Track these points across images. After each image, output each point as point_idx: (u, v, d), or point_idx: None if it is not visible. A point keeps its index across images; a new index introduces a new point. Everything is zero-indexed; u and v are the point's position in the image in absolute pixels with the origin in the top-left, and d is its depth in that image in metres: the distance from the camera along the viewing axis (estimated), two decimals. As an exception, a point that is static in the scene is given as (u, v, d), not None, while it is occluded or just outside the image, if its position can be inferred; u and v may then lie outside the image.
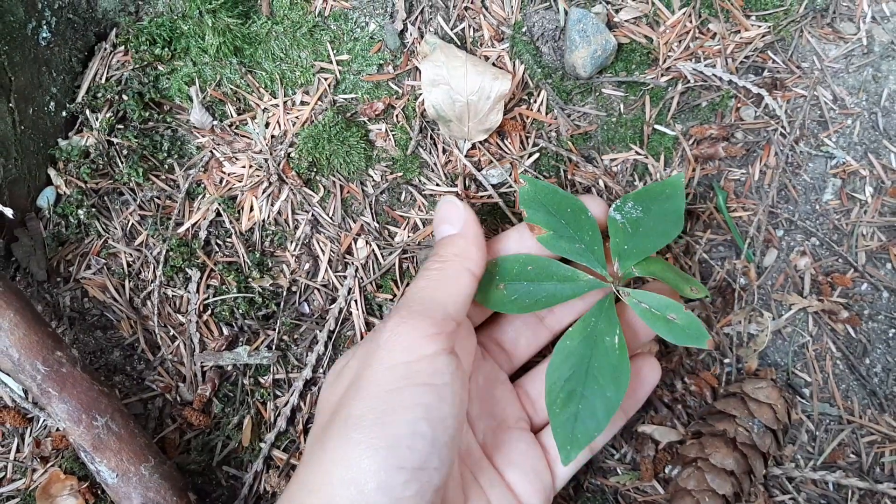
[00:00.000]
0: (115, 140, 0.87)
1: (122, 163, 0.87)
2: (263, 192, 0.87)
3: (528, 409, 0.78)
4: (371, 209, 0.88)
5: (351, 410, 0.59)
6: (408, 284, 0.86)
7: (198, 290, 0.85)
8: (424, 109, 0.86)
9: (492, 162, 0.87)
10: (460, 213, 0.73)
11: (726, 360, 0.85)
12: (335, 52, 0.89)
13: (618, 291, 0.73)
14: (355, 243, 0.87)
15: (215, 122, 0.89)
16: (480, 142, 0.87)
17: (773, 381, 0.82)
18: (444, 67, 0.82)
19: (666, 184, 0.78)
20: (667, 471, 0.83)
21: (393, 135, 0.88)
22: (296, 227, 0.87)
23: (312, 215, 0.87)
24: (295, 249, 0.87)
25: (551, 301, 0.74)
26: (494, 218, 0.87)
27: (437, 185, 0.88)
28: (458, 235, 0.72)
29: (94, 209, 0.87)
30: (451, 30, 0.88)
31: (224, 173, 0.88)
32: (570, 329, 0.73)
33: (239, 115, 0.89)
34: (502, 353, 0.79)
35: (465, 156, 0.87)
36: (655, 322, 0.70)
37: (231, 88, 0.89)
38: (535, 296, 0.74)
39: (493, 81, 0.82)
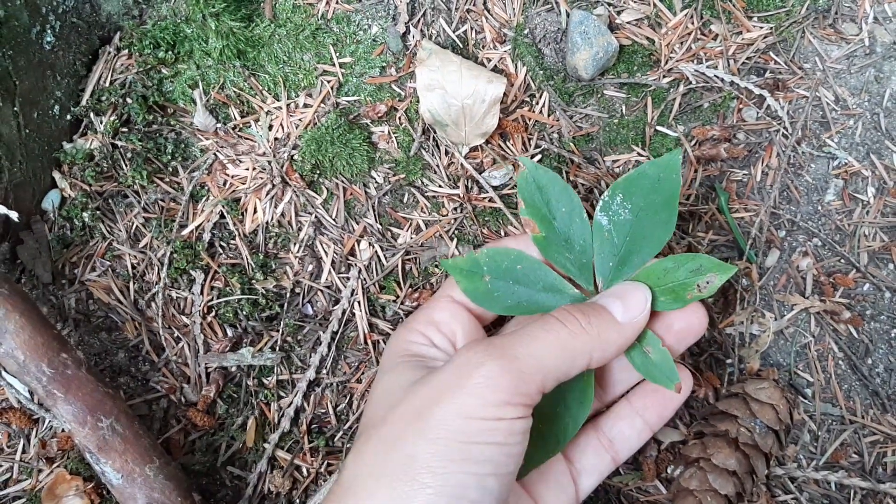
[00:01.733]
0: (119, 143, 0.87)
1: (126, 165, 0.87)
2: (267, 195, 0.88)
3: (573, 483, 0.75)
4: (374, 211, 0.88)
5: (417, 451, 0.57)
6: (410, 285, 0.87)
7: (202, 292, 0.86)
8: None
9: (494, 163, 0.88)
10: (641, 305, 0.67)
11: (728, 361, 0.85)
12: (338, 54, 0.90)
13: None
14: (358, 245, 0.87)
15: (219, 125, 0.89)
16: (483, 143, 0.87)
17: (775, 381, 0.83)
18: (439, 72, 0.83)
19: (659, 164, 0.71)
20: (669, 471, 0.83)
21: (395, 137, 0.88)
22: (299, 229, 0.88)
23: (316, 217, 0.88)
24: (298, 251, 0.87)
25: (533, 309, 0.71)
26: (496, 220, 0.87)
27: (440, 186, 0.88)
28: (621, 324, 0.65)
29: (98, 212, 0.87)
30: (454, 32, 0.89)
31: (227, 176, 0.89)
32: None
33: (242, 117, 0.90)
34: None
35: (468, 157, 0.88)
36: (630, 351, 0.68)
37: (234, 91, 0.89)
38: (517, 298, 0.71)
39: (488, 85, 0.82)
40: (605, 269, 0.71)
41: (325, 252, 0.87)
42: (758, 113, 0.90)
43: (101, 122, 0.88)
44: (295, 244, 0.87)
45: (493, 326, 0.80)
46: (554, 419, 0.68)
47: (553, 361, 0.61)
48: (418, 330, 0.71)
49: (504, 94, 0.87)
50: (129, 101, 0.88)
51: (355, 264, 0.87)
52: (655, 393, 0.73)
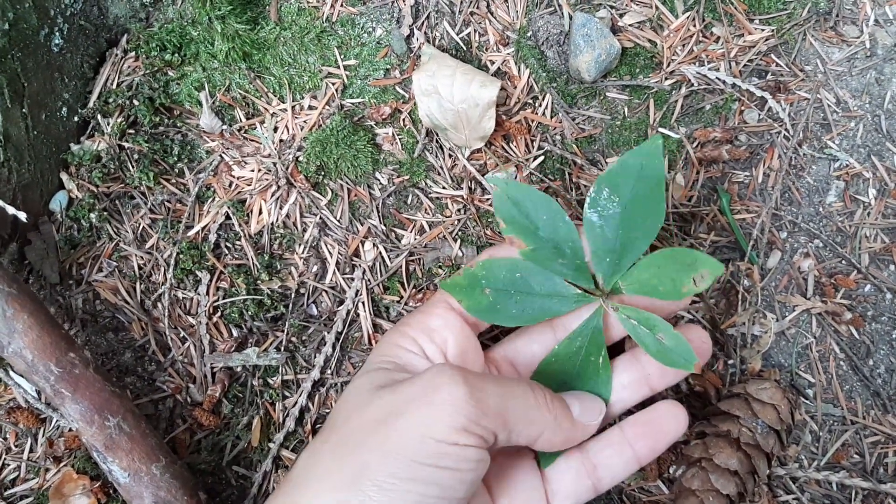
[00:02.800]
0: (126, 144, 0.88)
1: (133, 167, 0.88)
2: (272, 196, 0.88)
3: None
4: (378, 212, 0.89)
5: (370, 460, 0.58)
6: (414, 286, 0.87)
7: (208, 293, 0.86)
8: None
9: (497, 165, 0.88)
10: (595, 414, 0.69)
11: (730, 361, 0.86)
12: (343, 57, 0.90)
13: (606, 307, 0.72)
14: (363, 246, 0.88)
15: (225, 127, 0.90)
16: (486, 145, 0.88)
17: (776, 381, 0.83)
18: (435, 77, 0.83)
19: (641, 152, 0.70)
20: (671, 471, 0.83)
21: (399, 138, 0.89)
22: (304, 230, 0.88)
23: (320, 218, 0.88)
24: (303, 252, 0.88)
25: (539, 317, 0.71)
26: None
27: (444, 188, 0.89)
28: (574, 421, 0.67)
29: (105, 213, 0.88)
30: (457, 35, 0.90)
31: (233, 177, 0.89)
32: (556, 347, 0.72)
33: (248, 119, 0.90)
34: (513, 370, 0.76)
35: (470, 159, 0.88)
36: (644, 340, 0.68)
37: (240, 93, 0.90)
38: (521, 307, 0.71)
39: (481, 89, 0.83)
40: (603, 265, 0.71)
41: (330, 253, 0.88)
42: (759, 115, 0.90)
43: (108, 124, 0.89)
44: (300, 245, 0.88)
45: (486, 334, 0.81)
46: None
47: (513, 413, 0.61)
48: (412, 336, 0.70)
49: (507, 96, 0.88)
50: (135, 102, 0.88)
51: (360, 265, 0.87)
52: (649, 424, 0.72)
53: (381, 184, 0.89)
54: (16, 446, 0.83)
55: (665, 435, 0.72)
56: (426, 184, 0.89)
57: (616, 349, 0.76)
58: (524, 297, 0.71)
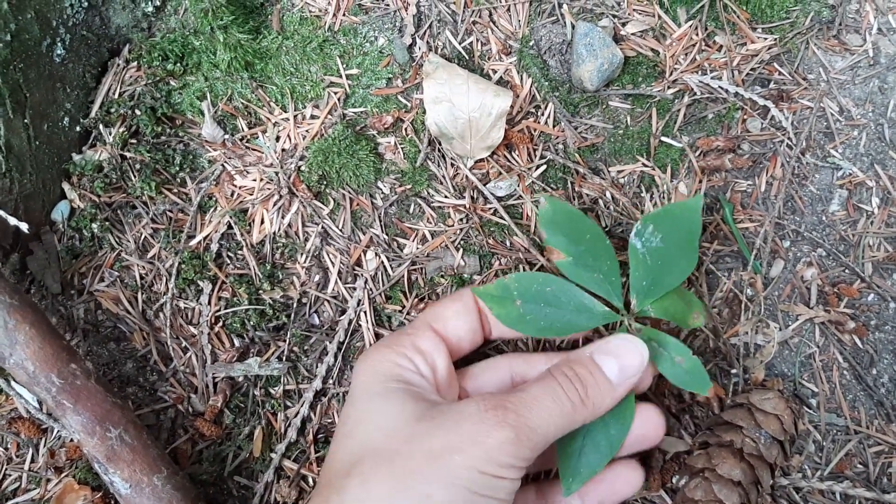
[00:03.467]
0: (128, 154, 0.88)
1: (134, 177, 0.88)
2: (274, 205, 0.88)
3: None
4: (380, 221, 0.89)
5: (433, 491, 0.61)
6: (416, 295, 0.87)
7: (209, 302, 0.86)
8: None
9: (500, 174, 0.88)
10: (636, 364, 0.70)
11: (733, 371, 0.86)
12: (345, 66, 0.90)
13: (630, 327, 0.75)
14: (365, 255, 0.88)
15: (227, 136, 0.90)
16: (489, 155, 0.88)
17: (779, 391, 0.83)
18: (447, 85, 0.83)
19: (683, 205, 0.78)
20: (674, 481, 0.83)
21: (402, 148, 0.89)
22: (306, 240, 0.88)
23: (322, 228, 0.88)
24: (305, 261, 0.88)
25: (566, 330, 0.74)
26: (501, 230, 0.88)
27: (446, 197, 0.88)
28: (614, 387, 0.68)
29: (107, 222, 0.88)
30: (460, 44, 0.89)
31: (235, 186, 0.89)
32: None
33: (250, 128, 0.90)
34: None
35: (473, 168, 0.88)
36: (662, 362, 0.72)
37: (242, 103, 0.90)
38: (550, 320, 0.74)
39: (495, 98, 0.83)
40: (640, 287, 0.75)
41: (332, 262, 0.88)
42: (762, 124, 0.90)
43: (110, 134, 0.89)
44: (302, 254, 0.88)
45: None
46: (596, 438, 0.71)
47: (555, 430, 0.65)
48: (406, 355, 0.70)
49: (510, 105, 0.87)
50: (137, 112, 0.88)
51: (361, 274, 0.87)
52: (603, 483, 0.74)
53: (383, 193, 0.89)
54: (17, 457, 0.83)
55: (616, 495, 0.75)
56: (428, 193, 0.89)
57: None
58: (553, 310, 0.74)
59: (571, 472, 0.70)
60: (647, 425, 0.74)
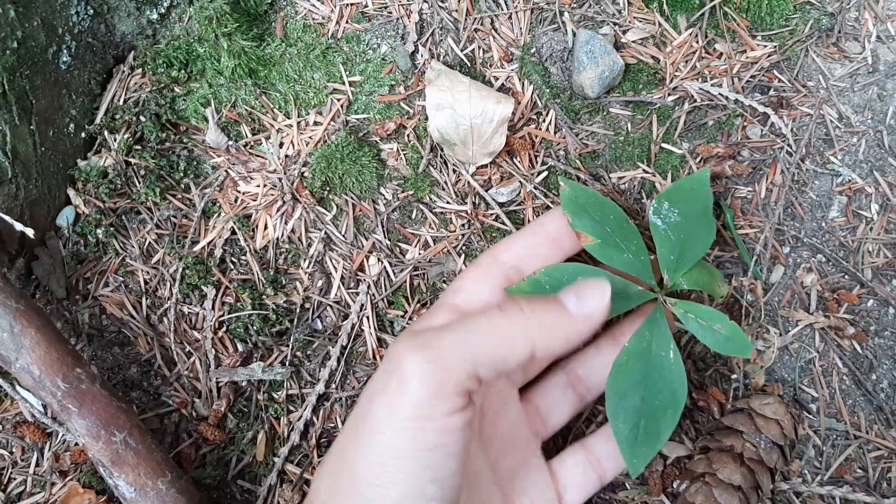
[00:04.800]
0: (132, 160, 0.89)
1: (139, 183, 0.89)
2: (277, 211, 0.89)
3: (538, 424, 0.77)
4: (383, 227, 0.89)
5: (357, 464, 0.57)
6: (418, 301, 0.88)
7: (213, 308, 0.87)
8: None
9: (501, 180, 0.89)
10: (598, 299, 0.64)
11: (734, 376, 0.86)
12: (348, 73, 0.91)
13: (665, 303, 0.74)
14: (367, 261, 0.88)
15: (230, 143, 0.91)
16: (490, 161, 0.88)
17: (779, 396, 0.83)
18: (449, 92, 0.84)
19: (693, 179, 0.79)
20: (675, 486, 0.84)
21: (404, 154, 0.90)
22: (309, 245, 0.89)
23: (325, 233, 0.89)
24: (308, 267, 0.89)
25: None
26: (503, 236, 0.88)
27: (448, 203, 0.89)
28: (572, 316, 0.63)
29: (112, 228, 0.89)
30: (462, 51, 0.90)
31: (239, 192, 0.90)
32: (625, 346, 0.72)
33: (253, 135, 0.91)
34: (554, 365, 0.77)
35: (475, 174, 0.89)
36: (703, 332, 0.72)
37: (246, 109, 0.91)
38: None
39: (497, 105, 0.84)
40: (668, 262, 0.76)
41: (335, 268, 0.88)
42: (762, 130, 0.91)
43: (115, 140, 0.89)
44: (305, 260, 0.89)
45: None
46: (651, 412, 0.71)
47: (486, 347, 0.58)
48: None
49: (511, 112, 0.88)
50: (142, 119, 0.89)
51: (364, 280, 0.88)
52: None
53: (385, 199, 0.90)
54: (22, 460, 0.84)
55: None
56: (430, 199, 0.90)
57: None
58: None
59: (632, 455, 0.70)
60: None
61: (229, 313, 0.87)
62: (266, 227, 0.89)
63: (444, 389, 0.56)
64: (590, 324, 0.63)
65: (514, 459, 0.73)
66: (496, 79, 0.90)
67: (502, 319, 0.60)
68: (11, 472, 0.83)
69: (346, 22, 0.91)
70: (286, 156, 0.90)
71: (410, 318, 0.87)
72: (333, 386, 0.86)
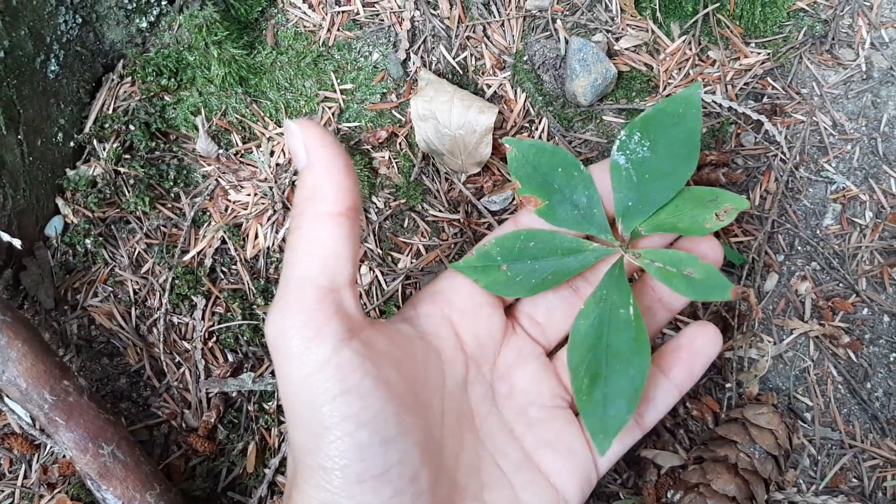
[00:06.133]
0: (121, 169, 0.88)
1: (128, 192, 0.88)
2: (268, 220, 0.88)
3: (566, 381, 0.71)
4: (374, 235, 0.89)
5: (297, 451, 0.55)
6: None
7: (203, 318, 0.86)
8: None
9: (494, 189, 0.88)
10: (299, 139, 0.56)
11: (727, 385, 0.86)
12: (339, 81, 0.90)
13: (626, 256, 0.69)
14: (359, 269, 0.88)
15: (221, 151, 0.90)
16: (483, 169, 0.88)
17: (774, 406, 0.83)
18: (433, 102, 0.84)
19: (678, 100, 0.68)
20: (669, 496, 0.83)
21: (396, 162, 0.89)
22: (300, 255, 0.88)
23: (316, 242, 0.88)
24: (299, 276, 0.88)
25: (559, 278, 0.69)
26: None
27: (440, 211, 0.88)
28: (305, 170, 0.56)
29: (101, 238, 0.88)
30: (454, 59, 0.90)
31: (229, 201, 0.89)
32: (582, 307, 0.68)
33: (244, 143, 0.90)
34: (536, 326, 0.73)
35: (467, 182, 0.88)
36: (672, 280, 0.64)
37: (236, 118, 0.90)
38: (540, 274, 0.69)
39: (479, 115, 0.83)
40: (624, 208, 0.69)
41: (326, 277, 0.88)
42: (756, 138, 0.90)
43: (104, 149, 0.89)
44: (296, 269, 0.88)
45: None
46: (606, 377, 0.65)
47: (306, 259, 0.55)
48: (412, 304, 0.70)
49: (503, 120, 0.88)
50: (131, 127, 0.88)
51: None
52: (681, 350, 0.69)
53: (377, 207, 0.89)
54: (10, 473, 0.83)
55: (699, 356, 0.69)
56: (423, 207, 0.89)
57: None
58: (542, 262, 0.69)
59: (599, 427, 0.64)
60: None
61: (219, 323, 0.86)
62: (257, 237, 0.88)
63: (307, 332, 0.53)
64: (325, 154, 0.57)
65: (538, 413, 0.69)
66: (489, 86, 0.90)
67: (303, 223, 0.56)
68: (-1, 485, 0.83)
69: (338, 30, 0.91)
70: (277, 164, 0.89)
71: (402, 328, 0.86)
72: (325, 396, 0.85)
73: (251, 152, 0.90)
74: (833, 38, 0.92)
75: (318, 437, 0.53)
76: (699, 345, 0.69)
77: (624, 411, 0.64)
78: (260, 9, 0.90)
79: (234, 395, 0.85)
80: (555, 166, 0.71)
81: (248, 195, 0.89)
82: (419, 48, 0.90)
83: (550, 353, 0.74)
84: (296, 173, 0.88)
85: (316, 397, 0.52)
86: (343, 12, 0.91)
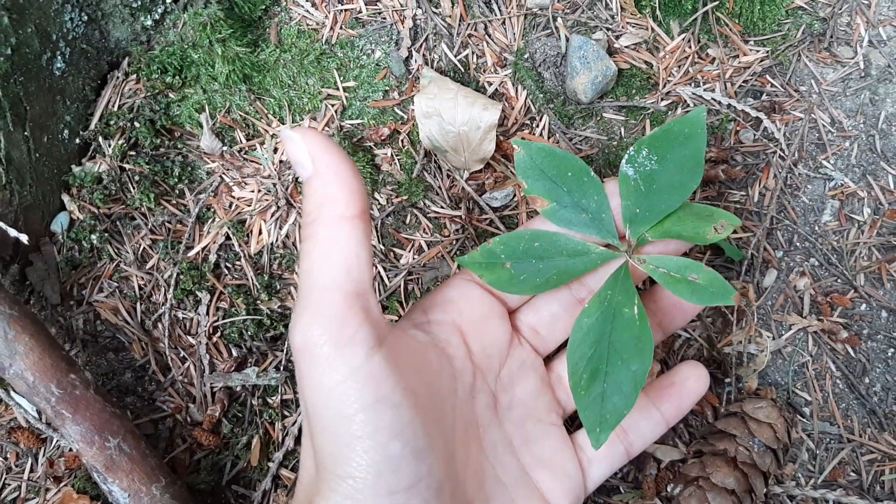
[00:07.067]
0: (127, 166, 0.89)
1: (133, 188, 0.89)
2: (272, 216, 0.89)
3: (560, 395, 0.74)
4: (377, 232, 0.89)
5: (323, 459, 0.54)
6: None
7: (207, 313, 0.87)
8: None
9: (496, 185, 0.89)
10: (302, 147, 0.55)
11: (727, 380, 0.86)
12: (342, 78, 0.91)
13: (631, 260, 0.70)
14: (362, 266, 0.88)
15: (225, 148, 0.91)
16: (485, 166, 0.89)
17: (773, 400, 0.83)
18: (437, 100, 0.84)
19: (685, 121, 0.71)
20: (668, 489, 0.84)
21: (398, 159, 0.90)
22: (303, 251, 0.89)
23: (319, 238, 0.89)
24: (302, 272, 0.89)
25: (563, 278, 0.70)
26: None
27: (442, 208, 0.89)
28: (313, 178, 0.56)
29: (106, 234, 0.89)
30: (455, 56, 0.90)
31: (233, 198, 0.90)
32: (586, 306, 0.69)
33: (248, 140, 0.91)
34: (538, 336, 0.74)
35: (469, 179, 0.89)
36: (677, 286, 0.65)
37: (240, 115, 0.91)
38: (544, 274, 0.70)
39: (483, 112, 0.84)
40: (632, 215, 0.70)
41: (329, 273, 0.88)
42: (755, 135, 0.91)
43: (110, 146, 0.89)
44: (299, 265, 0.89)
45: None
46: (609, 376, 0.66)
47: (324, 267, 0.54)
48: (421, 309, 0.70)
49: (504, 117, 0.88)
50: (136, 124, 0.89)
51: (358, 285, 0.88)
52: (672, 387, 0.73)
53: (379, 204, 0.90)
54: (16, 466, 0.84)
55: (689, 395, 0.73)
56: (424, 204, 0.90)
57: None
58: (546, 262, 0.70)
59: (596, 421, 0.65)
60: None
61: (224, 318, 0.87)
62: (260, 233, 0.89)
63: (336, 338, 0.52)
64: (330, 160, 0.56)
65: (534, 428, 0.70)
66: (490, 84, 0.90)
67: (318, 230, 0.55)
68: (6, 478, 0.83)
69: (341, 28, 0.92)
70: (280, 161, 0.90)
71: (405, 323, 0.87)
72: (328, 391, 0.86)
73: (255, 149, 0.91)
74: (831, 36, 0.93)
75: (347, 447, 0.52)
76: (690, 385, 0.74)
77: (622, 406, 0.65)
78: (263, 7, 0.91)
79: (238, 389, 0.86)
80: (564, 170, 0.72)
81: (252, 192, 0.90)
82: (421, 46, 0.91)
83: (546, 359, 0.75)
84: (299, 170, 0.89)
85: (347, 406, 0.52)
86: (346, 10, 0.92)
